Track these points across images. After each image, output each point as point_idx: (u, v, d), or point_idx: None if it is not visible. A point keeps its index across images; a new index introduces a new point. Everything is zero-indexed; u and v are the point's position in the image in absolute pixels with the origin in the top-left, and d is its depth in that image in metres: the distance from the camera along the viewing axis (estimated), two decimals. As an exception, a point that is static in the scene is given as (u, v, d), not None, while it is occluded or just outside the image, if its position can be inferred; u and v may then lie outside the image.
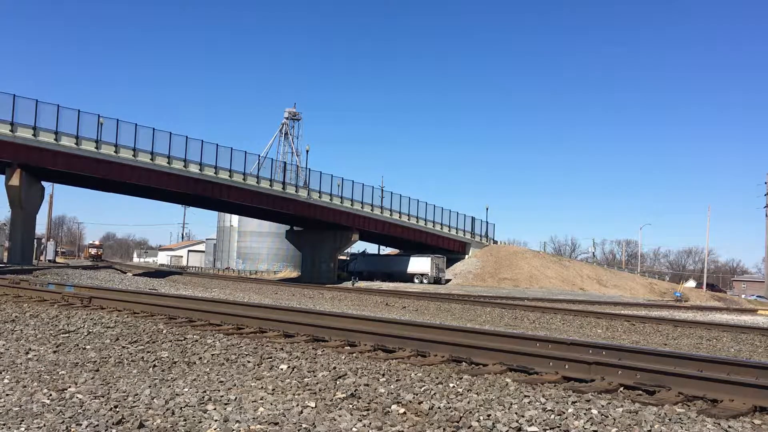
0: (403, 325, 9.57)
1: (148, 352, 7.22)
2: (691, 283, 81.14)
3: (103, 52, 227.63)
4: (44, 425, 4.20)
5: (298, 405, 4.89)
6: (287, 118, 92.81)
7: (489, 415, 4.73)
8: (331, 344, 8.28)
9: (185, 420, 4.45)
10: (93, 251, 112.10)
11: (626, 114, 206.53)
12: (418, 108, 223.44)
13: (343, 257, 65.62)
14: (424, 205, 60.97)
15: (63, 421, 4.29)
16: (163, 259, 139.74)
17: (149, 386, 5.44)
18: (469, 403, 5.13)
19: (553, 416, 4.77)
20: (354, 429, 4.35)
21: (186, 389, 5.38)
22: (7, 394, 5.06)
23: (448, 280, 59.11)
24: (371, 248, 71.32)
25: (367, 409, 4.87)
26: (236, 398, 5.09)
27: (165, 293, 17.63)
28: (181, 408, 4.74)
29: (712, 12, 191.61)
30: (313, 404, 4.95)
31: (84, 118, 40.94)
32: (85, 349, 7.35)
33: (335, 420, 4.53)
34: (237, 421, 4.44)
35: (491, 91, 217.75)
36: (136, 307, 11.64)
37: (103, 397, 5.04)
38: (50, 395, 5.04)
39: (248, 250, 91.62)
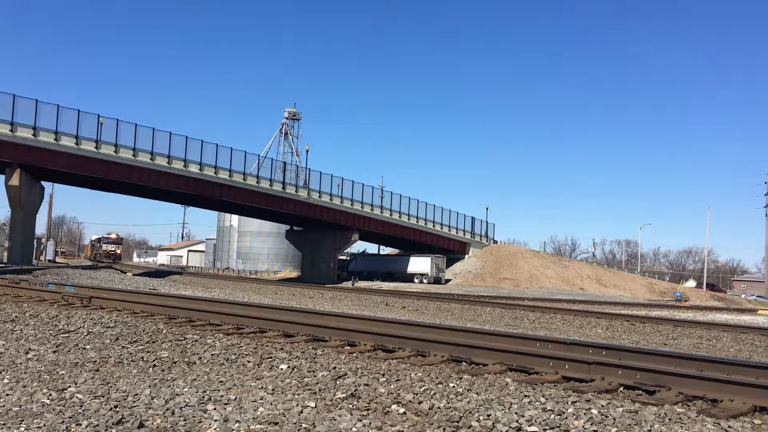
0: (403, 325, 9.58)
1: (148, 352, 7.22)
2: (691, 283, 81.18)
3: (103, 52, 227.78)
4: (44, 425, 4.20)
5: (298, 405, 4.89)
6: (287, 118, 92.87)
7: (489, 415, 4.73)
8: (331, 344, 8.28)
9: (185, 420, 4.45)
10: (110, 247, 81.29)
11: (626, 114, 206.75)
12: (418, 108, 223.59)
13: (343, 257, 65.64)
14: (424, 205, 61.01)
15: (63, 421, 4.29)
16: (163, 259, 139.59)
17: (149, 386, 5.44)
18: (469, 403, 5.13)
19: (553, 416, 4.77)
20: (354, 429, 4.35)
21: (186, 389, 5.38)
22: (7, 394, 5.06)
23: (448, 280, 59.11)
24: (371, 248, 71.40)
25: (367, 409, 4.87)
26: (236, 398, 5.09)
27: (165, 293, 17.63)
28: (181, 408, 4.74)
29: (712, 12, 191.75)
30: (313, 404, 4.95)
31: (84, 118, 40.98)
32: (85, 349, 7.35)
33: (335, 420, 4.53)
34: (237, 421, 4.44)
35: (491, 91, 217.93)
36: (136, 307, 11.63)
37: (103, 397, 5.04)
38: (50, 395, 5.04)
39: (248, 250, 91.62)
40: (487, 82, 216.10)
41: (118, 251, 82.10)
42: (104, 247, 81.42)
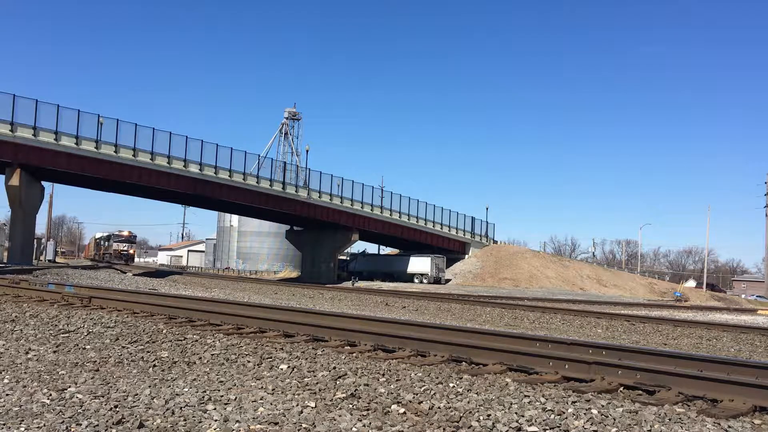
0: (403, 325, 9.57)
1: (148, 352, 7.22)
2: (691, 283, 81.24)
3: (103, 52, 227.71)
4: (44, 425, 4.20)
5: (298, 405, 4.90)
6: (287, 118, 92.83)
7: (489, 415, 4.73)
8: (331, 344, 8.28)
9: (185, 420, 4.45)
10: (121, 246, 72.20)
11: (626, 114, 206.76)
12: (418, 108, 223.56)
13: (343, 257, 65.63)
14: (424, 205, 61.04)
15: (63, 421, 4.29)
16: (163, 259, 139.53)
17: (149, 386, 5.45)
18: (469, 403, 5.13)
19: (553, 416, 4.77)
20: (354, 429, 4.35)
21: (186, 389, 5.38)
22: (7, 394, 5.06)
23: (448, 280, 59.12)
24: (371, 248, 71.41)
25: (367, 409, 4.87)
26: (236, 398, 5.09)
27: (165, 293, 17.62)
28: (181, 408, 4.74)
29: (711, 12, 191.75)
30: (313, 404, 4.95)
31: (84, 118, 41.00)
32: (85, 349, 7.35)
33: (335, 420, 4.53)
34: (237, 421, 4.45)
35: (491, 91, 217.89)
36: (135, 307, 11.63)
37: (103, 397, 5.04)
38: (50, 395, 5.04)
39: (248, 250, 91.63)
40: (487, 81, 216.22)
41: (131, 251, 73.69)
42: (115, 246, 72.79)
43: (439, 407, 4.96)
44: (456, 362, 7.30)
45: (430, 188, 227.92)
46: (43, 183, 43.60)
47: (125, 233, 75.14)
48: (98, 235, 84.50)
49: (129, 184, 45.41)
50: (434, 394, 5.42)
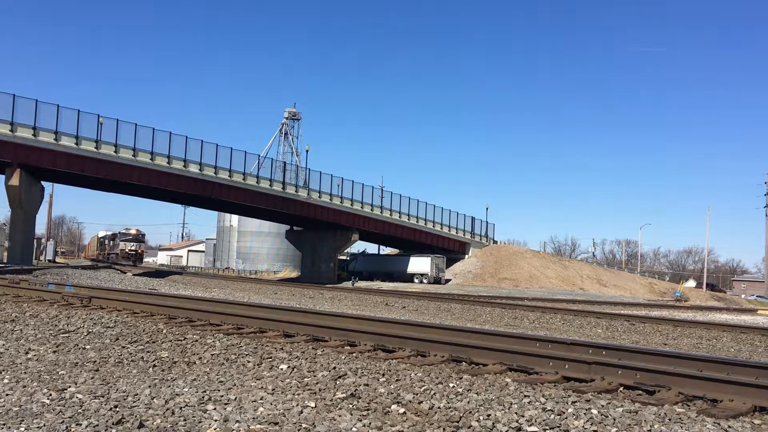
0: (403, 325, 9.57)
1: (148, 352, 7.23)
2: (691, 283, 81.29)
3: (103, 52, 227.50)
4: (44, 425, 4.20)
5: (298, 405, 4.90)
6: (287, 118, 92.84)
7: (489, 415, 4.74)
8: (331, 344, 8.28)
9: (185, 420, 4.45)
10: (129, 246, 68.19)
11: (626, 114, 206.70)
12: (418, 108, 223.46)
13: (343, 257, 65.65)
14: (424, 205, 61.06)
15: (63, 421, 4.29)
16: (162, 259, 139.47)
17: (149, 386, 5.45)
18: (469, 403, 5.13)
19: (553, 416, 4.77)
20: (354, 429, 4.35)
21: (186, 389, 5.38)
22: (7, 394, 5.06)
23: (448, 280, 59.13)
24: (371, 248, 71.42)
25: (367, 409, 4.87)
26: (236, 398, 5.09)
27: (165, 293, 17.62)
28: (181, 408, 4.75)
29: (712, 12, 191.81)
30: (313, 404, 4.95)
31: (84, 118, 40.98)
32: (84, 349, 7.35)
33: (335, 420, 4.53)
34: (237, 421, 4.45)
35: (491, 91, 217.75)
36: (135, 307, 11.63)
37: (102, 397, 5.04)
38: (50, 395, 5.04)
39: (248, 250, 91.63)
40: (487, 82, 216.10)
41: (140, 250, 69.27)
42: (122, 245, 68.73)
43: (439, 407, 4.96)
44: (456, 362, 7.30)
45: (430, 188, 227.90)
46: (43, 183, 43.61)
47: (133, 231, 71.30)
48: (101, 234, 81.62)
49: (129, 184, 45.42)
50: (434, 394, 5.42)
